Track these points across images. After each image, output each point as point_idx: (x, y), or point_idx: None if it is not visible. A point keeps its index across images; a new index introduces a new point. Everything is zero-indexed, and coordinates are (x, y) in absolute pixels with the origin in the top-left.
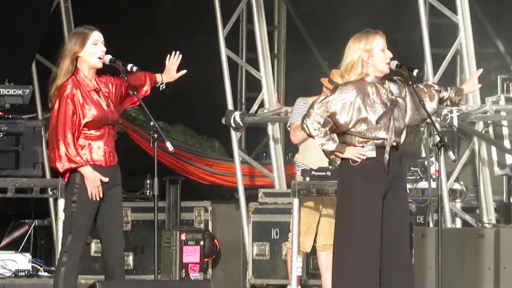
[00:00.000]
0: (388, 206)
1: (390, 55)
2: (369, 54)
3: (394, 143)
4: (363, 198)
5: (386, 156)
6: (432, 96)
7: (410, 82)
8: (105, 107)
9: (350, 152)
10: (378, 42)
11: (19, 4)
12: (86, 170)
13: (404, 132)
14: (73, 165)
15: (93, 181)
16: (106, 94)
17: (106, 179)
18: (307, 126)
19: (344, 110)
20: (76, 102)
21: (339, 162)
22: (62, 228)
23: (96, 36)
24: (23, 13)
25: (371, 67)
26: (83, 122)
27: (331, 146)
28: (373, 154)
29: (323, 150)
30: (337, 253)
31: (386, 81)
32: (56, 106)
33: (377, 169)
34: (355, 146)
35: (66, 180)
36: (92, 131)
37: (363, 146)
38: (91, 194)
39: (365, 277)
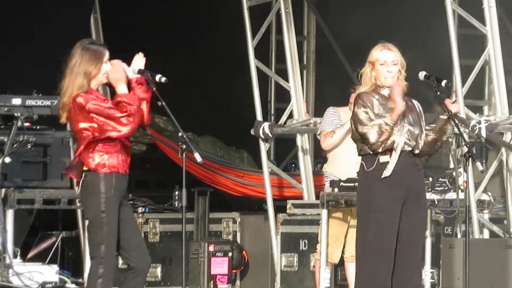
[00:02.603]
0: (406, 213)
1: (391, 69)
2: (372, 66)
3: (409, 148)
4: (381, 201)
5: (395, 157)
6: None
7: (438, 93)
8: None
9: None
10: (378, 55)
11: (56, 16)
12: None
13: (422, 138)
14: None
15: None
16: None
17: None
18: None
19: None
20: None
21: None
22: (91, 240)
23: (108, 55)
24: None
25: (377, 79)
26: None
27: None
28: (387, 158)
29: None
30: (361, 253)
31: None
32: (90, 105)
33: (393, 175)
34: (369, 153)
35: (79, 183)
36: (107, 141)
37: (377, 152)
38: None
39: (378, 279)
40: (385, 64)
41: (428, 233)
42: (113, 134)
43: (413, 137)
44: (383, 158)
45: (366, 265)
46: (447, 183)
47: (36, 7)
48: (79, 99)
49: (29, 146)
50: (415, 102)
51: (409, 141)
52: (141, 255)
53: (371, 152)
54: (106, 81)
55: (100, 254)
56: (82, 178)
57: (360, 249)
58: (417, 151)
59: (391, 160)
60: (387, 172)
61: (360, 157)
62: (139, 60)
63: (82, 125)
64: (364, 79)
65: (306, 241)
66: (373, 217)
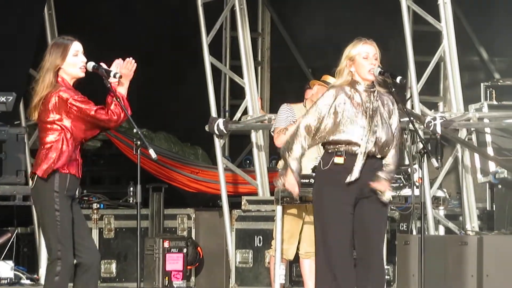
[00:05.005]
0: (359, 214)
1: (374, 62)
2: (352, 61)
3: (368, 154)
4: (331, 203)
5: (359, 164)
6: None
7: (393, 89)
8: None
9: (287, 183)
10: (360, 49)
11: (10, 12)
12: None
13: (389, 144)
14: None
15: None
16: None
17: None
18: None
19: (327, 114)
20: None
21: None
22: (47, 237)
23: (76, 47)
24: (15, 20)
25: (356, 74)
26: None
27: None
28: (340, 160)
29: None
30: (316, 258)
31: (377, 91)
32: (74, 102)
33: (344, 176)
34: (327, 152)
35: (43, 175)
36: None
37: (334, 152)
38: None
39: (340, 282)
40: (368, 57)
41: None
42: (101, 117)
43: (377, 144)
44: (337, 159)
45: (320, 262)
46: (402, 180)
47: None
48: (62, 93)
49: None
50: (387, 99)
51: (372, 148)
52: (89, 250)
53: (329, 150)
54: (82, 75)
55: (58, 252)
56: (36, 176)
57: (316, 247)
58: (378, 156)
59: (355, 167)
60: (350, 178)
61: (318, 155)
62: (118, 66)
63: (55, 116)
64: (340, 76)
65: (261, 238)
66: (323, 218)
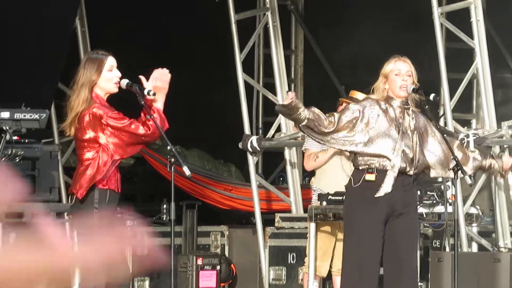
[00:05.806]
0: (390, 231)
1: (405, 79)
2: (386, 78)
3: (399, 170)
4: (361, 220)
5: (390, 178)
6: (465, 160)
7: (426, 107)
8: None
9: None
10: (393, 66)
11: (39, 27)
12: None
13: (421, 164)
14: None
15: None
16: None
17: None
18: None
19: (360, 120)
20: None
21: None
22: None
23: (111, 62)
24: (44, 36)
25: (390, 91)
26: None
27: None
28: (371, 177)
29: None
30: (342, 273)
31: (412, 110)
32: (108, 119)
33: (375, 193)
34: (358, 169)
35: (80, 196)
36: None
37: (365, 169)
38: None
39: None
40: (400, 74)
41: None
42: (139, 132)
43: (407, 159)
44: (368, 176)
45: (347, 279)
46: (436, 197)
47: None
48: (96, 110)
49: (17, 160)
50: (424, 119)
51: (402, 162)
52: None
53: (360, 167)
54: (116, 91)
55: None
56: (74, 195)
57: (343, 263)
58: (411, 172)
59: (387, 180)
60: (379, 193)
61: (350, 171)
62: (155, 80)
63: (91, 134)
64: (375, 91)
65: (294, 255)
66: (353, 235)
